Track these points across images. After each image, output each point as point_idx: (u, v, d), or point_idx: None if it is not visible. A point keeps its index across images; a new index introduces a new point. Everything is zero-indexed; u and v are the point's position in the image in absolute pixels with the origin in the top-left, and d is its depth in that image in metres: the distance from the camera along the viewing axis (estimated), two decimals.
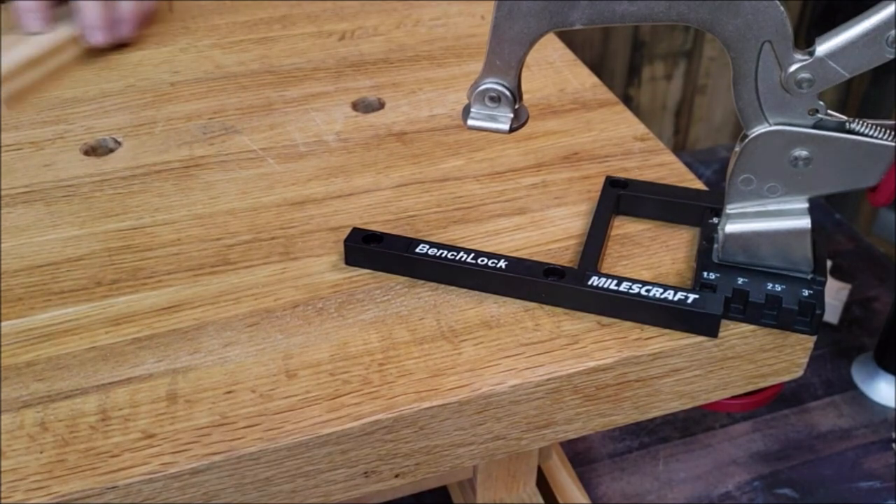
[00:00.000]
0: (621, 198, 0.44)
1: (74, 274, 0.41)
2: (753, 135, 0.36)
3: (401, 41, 0.61)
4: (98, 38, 0.58)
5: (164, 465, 0.32)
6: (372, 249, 0.40)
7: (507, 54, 0.36)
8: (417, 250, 0.40)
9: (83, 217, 0.44)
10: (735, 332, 0.38)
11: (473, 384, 0.35)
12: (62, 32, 0.58)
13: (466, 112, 0.39)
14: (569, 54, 0.59)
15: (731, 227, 0.38)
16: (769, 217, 0.38)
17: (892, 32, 0.32)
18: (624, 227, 0.44)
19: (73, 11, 0.58)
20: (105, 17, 0.58)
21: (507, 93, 0.37)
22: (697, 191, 0.44)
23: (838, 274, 1.07)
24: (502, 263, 0.39)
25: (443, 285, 0.40)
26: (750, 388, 0.40)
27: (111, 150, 0.50)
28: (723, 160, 1.30)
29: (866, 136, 0.35)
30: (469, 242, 0.42)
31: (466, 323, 0.38)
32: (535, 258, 0.40)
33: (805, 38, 1.33)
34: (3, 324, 0.38)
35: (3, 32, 0.57)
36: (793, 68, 0.34)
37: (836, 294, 1.01)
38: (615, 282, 0.38)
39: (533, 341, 0.37)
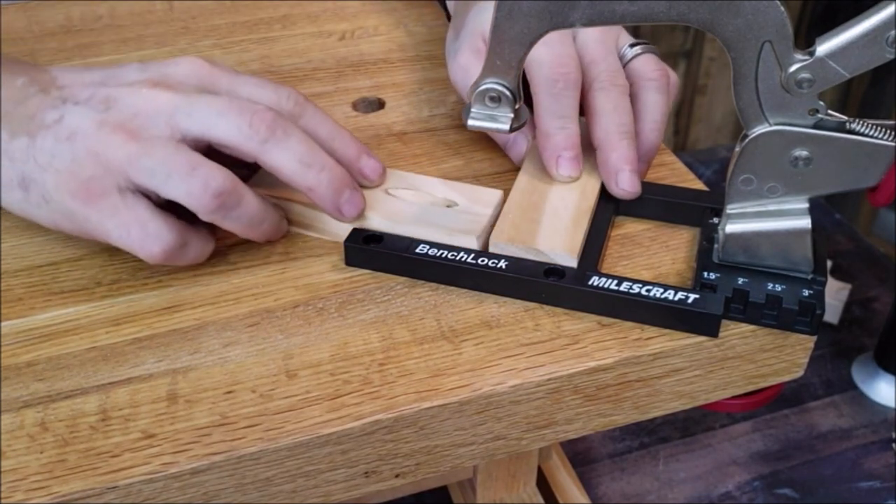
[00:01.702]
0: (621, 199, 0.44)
1: (74, 274, 0.41)
2: (754, 135, 0.36)
3: (401, 41, 0.61)
4: (628, 187, 0.42)
5: (165, 465, 0.32)
6: (372, 250, 0.40)
7: (507, 54, 0.36)
8: (417, 250, 0.40)
9: None
10: (735, 332, 0.38)
11: (474, 384, 0.35)
12: (591, 181, 0.44)
13: (467, 112, 0.39)
14: None
15: (732, 228, 0.38)
16: (769, 217, 0.38)
17: (892, 32, 0.32)
18: (624, 227, 0.44)
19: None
20: (633, 157, 0.43)
21: (508, 93, 0.37)
22: (698, 191, 0.44)
23: (838, 274, 1.07)
24: (502, 263, 0.39)
25: (443, 285, 0.40)
26: (750, 388, 0.40)
27: None
28: (723, 160, 1.30)
29: (866, 136, 0.35)
30: None
31: (467, 323, 0.38)
32: None
33: (805, 38, 1.33)
34: (3, 324, 0.38)
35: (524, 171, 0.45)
36: (793, 68, 0.34)
37: (836, 294, 1.01)
38: (615, 282, 0.38)
39: (533, 341, 0.37)
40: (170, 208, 0.38)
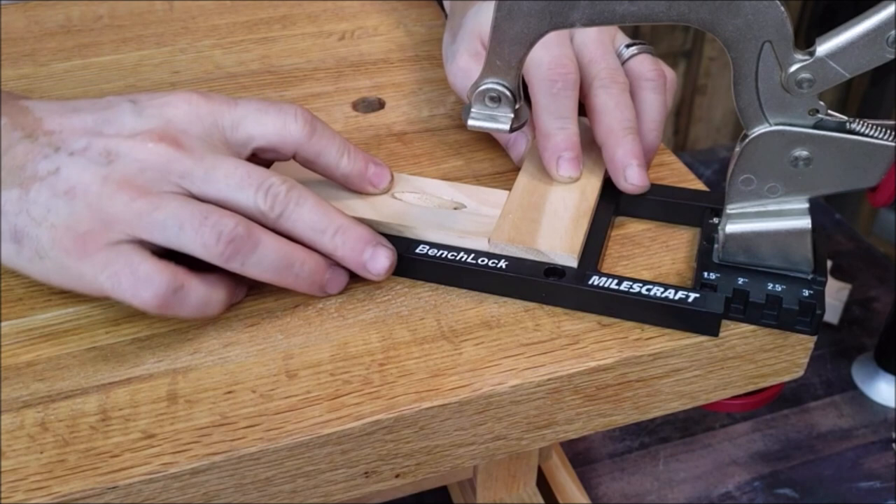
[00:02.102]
0: (621, 199, 0.44)
1: None
2: (754, 135, 0.36)
3: (401, 41, 0.61)
4: (637, 181, 0.42)
5: (165, 465, 0.32)
6: None
7: (507, 54, 0.36)
8: (417, 251, 0.40)
9: None
10: (735, 332, 0.38)
11: (474, 384, 0.35)
12: (591, 181, 0.44)
13: (467, 112, 0.39)
14: None
15: (732, 228, 0.38)
16: (769, 217, 0.38)
17: (893, 33, 0.32)
18: (624, 228, 0.44)
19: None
20: (639, 151, 0.43)
21: (508, 93, 0.37)
22: (698, 191, 0.44)
23: (838, 274, 1.07)
24: (502, 263, 0.39)
25: (443, 285, 0.40)
26: (750, 388, 0.40)
27: None
28: (723, 160, 1.30)
29: (866, 136, 0.35)
30: None
31: (467, 323, 0.38)
32: None
33: (805, 38, 1.33)
34: (3, 324, 0.38)
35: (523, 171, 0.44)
36: (793, 68, 0.34)
37: (836, 294, 1.01)
38: (615, 281, 0.38)
39: (533, 341, 0.37)
40: (172, 257, 0.36)
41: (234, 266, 0.36)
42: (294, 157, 0.41)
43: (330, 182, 0.43)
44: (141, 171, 0.36)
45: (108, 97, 0.39)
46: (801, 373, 0.40)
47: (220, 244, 0.35)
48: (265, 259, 0.36)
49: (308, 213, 0.38)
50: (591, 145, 0.45)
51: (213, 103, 0.39)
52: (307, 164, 0.41)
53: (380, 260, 0.39)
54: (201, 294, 0.36)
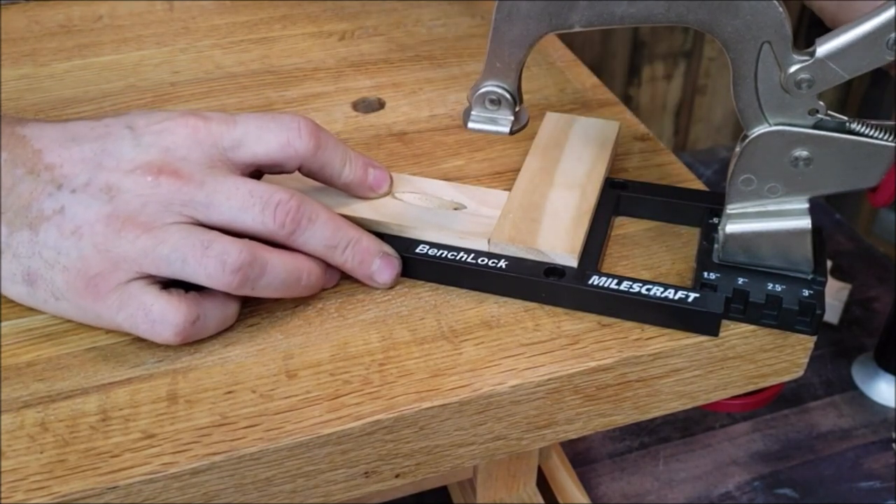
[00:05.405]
0: (621, 199, 0.44)
1: None
2: (754, 135, 0.36)
3: (401, 41, 0.61)
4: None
5: (165, 465, 0.32)
6: None
7: (507, 56, 0.36)
8: (418, 251, 0.40)
9: None
10: (735, 332, 0.38)
11: (474, 384, 0.35)
12: (591, 181, 0.43)
13: (467, 115, 0.39)
14: (569, 54, 0.59)
15: (732, 228, 0.38)
16: (769, 217, 0.38)
17: (893, 35, 0.32)
18: (624, 228, 0.44)
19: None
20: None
21: (508, 95, 0.37)
22: (697, 191, 0.44)
23: (838, 274, 1.07)
24: (502, 263, 0.39)
25: (443, 285, 0.40)
26: (750, 388, 0.40)
27: None
28: (723, 160, 1.30)
29: (866, 136, 0.35)
30: None
31: (467, 323, 0.38)
32: None
33: (805, 38, 1.33)
34: (3, 324, 0.38)
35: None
36: (792, 69, 0.34)
37: (836, 294, 1.01)
38: (615, 281, 0.38)
39: (533, 341, 0.37)
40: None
41: (244, 292, 0.36)
42: (298, 170, 0.40)
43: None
44: (143, 206, 0.35)
45: (106, 119, 0.38)
46: (801, 373, 0.40)
47: (225, 274, 0.35)
48: (275, 280, 0.37)
49: (321, 230, 0.38)
50: (590, 144, 0.46)
51: (211, 125, 0.38)
52: (310, 175, 0.41)
53: (386, 271, 0.39)
54: (217, 315, 0.37)
